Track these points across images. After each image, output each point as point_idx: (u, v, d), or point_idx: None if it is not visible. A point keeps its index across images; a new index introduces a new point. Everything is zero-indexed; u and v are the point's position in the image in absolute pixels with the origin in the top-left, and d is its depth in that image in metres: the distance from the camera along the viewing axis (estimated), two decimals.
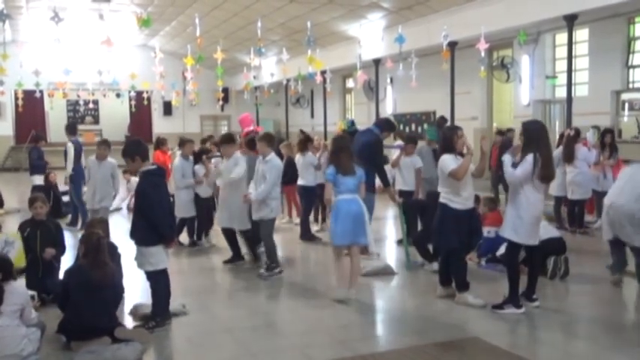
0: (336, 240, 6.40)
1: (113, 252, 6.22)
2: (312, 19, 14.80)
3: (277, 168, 7.45)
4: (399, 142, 11.92)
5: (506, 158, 6.02)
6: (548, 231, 7.25)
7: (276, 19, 17.78)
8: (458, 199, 6.12)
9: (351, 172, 6.43)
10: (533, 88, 15.58)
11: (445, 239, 6.22)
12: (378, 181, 8.51)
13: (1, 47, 14.10)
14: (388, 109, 20.89)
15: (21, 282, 5.17)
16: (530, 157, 5.76)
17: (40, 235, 6.42)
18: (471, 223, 6.30)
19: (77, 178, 10.86)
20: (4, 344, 4.67)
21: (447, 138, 6.33)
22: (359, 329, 5.64)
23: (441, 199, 6.22)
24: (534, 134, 5.87)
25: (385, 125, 8.87)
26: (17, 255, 6.14)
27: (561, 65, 14.58)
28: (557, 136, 11.09)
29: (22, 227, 6.61)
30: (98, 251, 5.27)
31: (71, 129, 11.64)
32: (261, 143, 7.56)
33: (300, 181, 10.14)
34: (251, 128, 11.40)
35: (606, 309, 6.23)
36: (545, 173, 5.78)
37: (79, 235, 8.03)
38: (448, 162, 6.10)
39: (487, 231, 7.55)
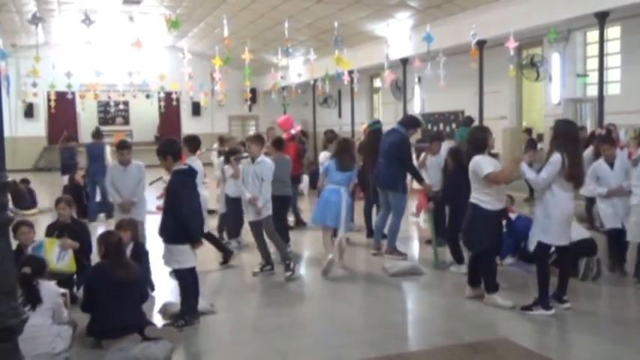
0: (311, 220, 8.09)
1: (141, 252, 6.29)
2: (339, 19, 14.78)
3: (271, 167, 7.65)
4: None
5: (524, 166, 5.95)
6: (579, 232, 7.14)
7: (304, 19, 17.80)
8: (489, 199, 6.05)
9: (347, 169, 7.73)
10: (564, 87, 15.36)
11: (477, 240, 6.15)
12: (408, 180, 8.52)
13: (34, 50, 14.40)
14: (416, 109, 20.75)
15: (52, 282, 5.25)
16: (555, 157, 5.67)
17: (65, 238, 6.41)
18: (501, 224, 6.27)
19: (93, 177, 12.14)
20: (37, 343, 4.75)
21: (480, 139, 6.23)
22: (387, 329, 5.61)
23: (472, 200, 6.15)
24: (563, 133, 5.78)
25: (410, 122, 8.76)
26: (69, 261, 6.14)
27: (592, 63, 14.34)
28: (587, 137, 10.89)
29: (49, 229, 6.69)
30: (119, 252, 5.35)
31: (97, 134, 13.12)
32: (253, 145, 7.63)
33: None
34: (292, 132, 11.53)
35: (639, 311, 6.11)
36: (572, 173, 5.68)
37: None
38: (484, 164, 6.00)
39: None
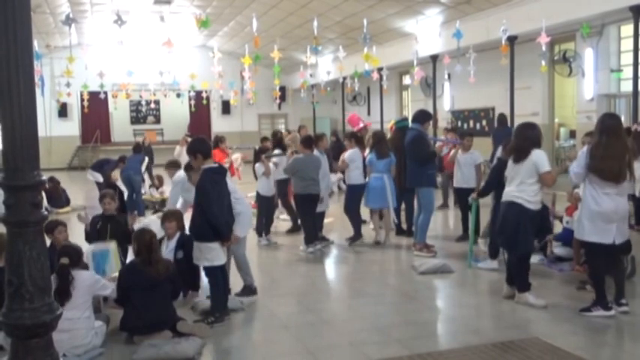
0: (368, 204, 9.13)
1: (187, 242, 6.28)
2: (368, 16, 14.76)
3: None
4: (451, 137, 11.43)
5: (572, 165, 5.84)
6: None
7: (333, 17, 17.81)
8: (536, 200, 5.94)
9: (385, 157, 8.87)
10: (598, 82, 15.08)
11: (523, 242, 5.98)
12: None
13: (68, 50, 14.66)
14: (446, 106, 20.63)
15: (88, 271, 5.38)
16: (583, 150, 5.60)
17: (110, 229, 6.84)
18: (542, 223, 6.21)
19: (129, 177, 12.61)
20: (76, 336, 4.84)
21: (536, 136, 6.05)
22: (416, 328, 5.59)
23: (516, 200, 5.94)
24: (598, 126, 5.64)
25: (422, 117, 8.65)
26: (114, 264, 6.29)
27: (627, 58, 14.06)
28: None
29: (93, 221, 7.03)
30: (151, 250, 5.42)
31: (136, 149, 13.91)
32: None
33: None
34: (361, 125, 11.56)
35: None
36: (596, 165, 5.49)
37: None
38: (547, 161, 5.93)
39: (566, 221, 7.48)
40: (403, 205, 9.57)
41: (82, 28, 21.70)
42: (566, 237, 7.48)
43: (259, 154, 9.67)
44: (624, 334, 5.33)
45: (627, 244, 7.02)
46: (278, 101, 23.16)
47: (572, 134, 15.31)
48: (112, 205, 7.13)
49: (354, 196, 9.20)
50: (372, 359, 4.81)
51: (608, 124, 5.63)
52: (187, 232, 6.28)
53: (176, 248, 6.42)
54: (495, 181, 7.28)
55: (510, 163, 6.12)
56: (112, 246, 6.41)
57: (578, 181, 5.73)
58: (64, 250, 5.25)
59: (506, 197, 6.07)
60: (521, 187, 5.93)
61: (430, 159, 8.39)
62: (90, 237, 6.92)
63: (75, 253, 5.22)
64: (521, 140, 6.05)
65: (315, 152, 9.04)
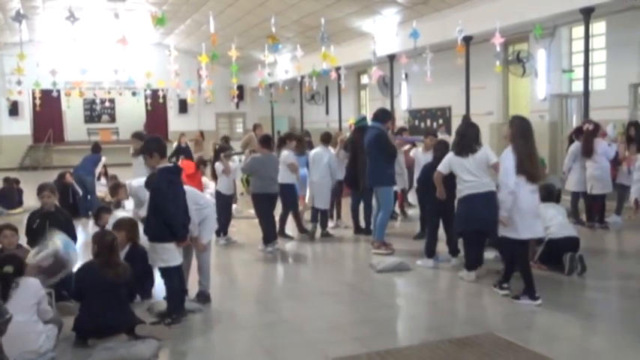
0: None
1: (138, 254, 6.20)
2: (326, 15, 14.76)
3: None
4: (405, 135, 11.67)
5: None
6: (565, 229, 7.23)
7: (290, 15, 17.77)
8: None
9: (303, 154, 9.79)
10: (550, 83, 15.42)
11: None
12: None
13: (19, 47, 14.27)
14: (403, 105, 20.81)
15: (33, 278, 5.18)
16: (505, 154, 6.04)
17: (49, 227, 6.19)
18: None
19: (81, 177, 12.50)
20: (24, 340, 4.70)
21: (475, 134, 7.01)
22: (374, 325, 5.62)
23: (493, 188, 6.55)
24: (516, 130, 6.04)
25: (382, 116, 8.70)
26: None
27: (578, 59, 14.41)
28: (572, 131, 10.91)
29: (31, 218, 6.58)
30: (112, 252, 5.32)
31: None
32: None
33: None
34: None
35: (626, 305, 6.16)
36: (522, 168, 5.91)
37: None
38: (493, 154, 6.83)
39: None
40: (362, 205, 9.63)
41: (33, 25, 21.13)
42: None
43: (219, 153, 9.60)
44: (578, 328, 5.46)
45: (576, 243, 7.22)
46: (236, 100, 22.99)
47: None
48: (52, 198, 6.54)
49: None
50: (331, 358, 4.82)
51: (524, 126, 6.10)
52: (140, 242, 6.21)
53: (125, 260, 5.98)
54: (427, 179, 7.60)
55: (456, 159, 6.76)
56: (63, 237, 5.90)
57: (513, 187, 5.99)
58: (7, 258, 5.02)
59: (484, 187, 6.59)
60: (480, 179, 6.63)
61: (394, 157, 8.50)
62: (27, 235, 6.49)
63: (19, 263, 5.01)
64: (464, 137, 6.86)
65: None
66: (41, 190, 6.59)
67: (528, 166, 5.92)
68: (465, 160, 6.72)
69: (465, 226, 6.83)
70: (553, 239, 7.07)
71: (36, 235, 6.21)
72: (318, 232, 9.65)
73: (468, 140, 6.81)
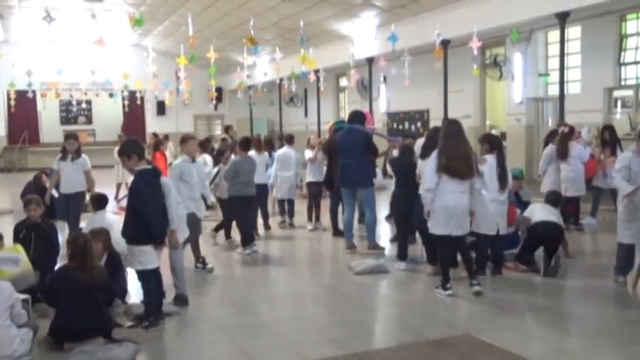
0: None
1: (115, 262, 6.17)
2: (305, 18, 14.79)
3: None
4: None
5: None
6: (548, 216, 7.42)
7: (269, 18, 17.76)
8: None
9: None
10: (526, 86, 15.62)
11: None
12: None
13: None
14: (382, 108, 20.90)
15: (5, 282, 5.10)
16: (432, 155, 6.50)
17: (34, 238, 6.40)
18: None
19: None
20: (0, 345, 4.65)
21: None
22: (352, 327, 5.63)
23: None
24: (443, 131, 6.54)
25: (360, 117, 8.94)
26: (24, 264, 5.89)
27: (554, 63, 14.62)
28: (547, 134, 11.02)
29: (17, 229, 6.59)
30: (85, 255, 5.26)
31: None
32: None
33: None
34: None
35: (600, 306, 6.23)
36: (443, 165, 6.27)
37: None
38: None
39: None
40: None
41: (8, 25, 20.88)
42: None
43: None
44: (553, 329, 5.52)
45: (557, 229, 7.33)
46: (214, 102, 22.90)
47: (503, 136, 15.78)
48: (38, 211, 6.59)
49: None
50: (309, 359, 4.83)
51: (450, 129, 6.52)
52: (116, 250, 6.22)
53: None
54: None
55: (420, 161, 7.21)
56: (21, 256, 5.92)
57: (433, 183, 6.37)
58: None
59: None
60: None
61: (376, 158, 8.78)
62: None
63: None
64: (429, 141, 7.21)
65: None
66: (27, 203, 6.66)
67: (453, 164, 6.26)
68: (426, 162, 6.94)
69: (418, 223, 7.22)
70: (534, 224, 7.32)
71: (22, 244, 6.28)
72: (287, 222, 10.69)
73: (431, 143, 6.99)
